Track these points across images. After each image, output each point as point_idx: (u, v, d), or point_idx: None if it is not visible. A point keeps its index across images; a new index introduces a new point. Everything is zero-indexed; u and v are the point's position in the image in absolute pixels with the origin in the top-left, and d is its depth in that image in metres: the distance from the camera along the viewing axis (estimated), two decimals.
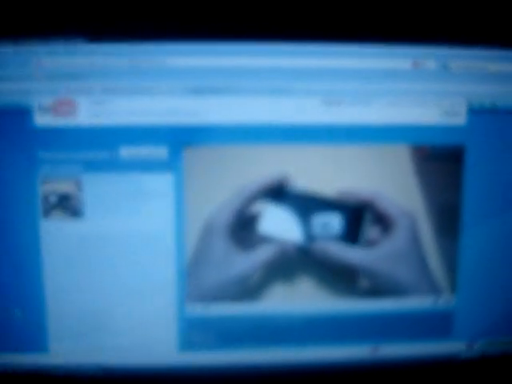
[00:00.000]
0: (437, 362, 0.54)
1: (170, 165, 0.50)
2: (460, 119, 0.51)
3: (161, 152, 0.49)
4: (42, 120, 0.49)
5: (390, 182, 0.52)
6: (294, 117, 0.50)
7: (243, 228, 0.51)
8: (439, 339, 0.54)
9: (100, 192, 0.49)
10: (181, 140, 0.49)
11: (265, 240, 0.51)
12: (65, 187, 0.49)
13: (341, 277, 0.52)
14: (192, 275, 0.51)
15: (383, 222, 0.51)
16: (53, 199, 0.50)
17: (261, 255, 0.51)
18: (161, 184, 0.50)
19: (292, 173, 0.51)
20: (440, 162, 0.52)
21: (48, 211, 0.50)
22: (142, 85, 0.48)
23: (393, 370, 0.54)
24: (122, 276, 0.51)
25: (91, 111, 0.49)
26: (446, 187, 0.52)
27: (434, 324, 0.53)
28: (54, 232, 0.50)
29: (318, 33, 0.49)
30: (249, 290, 0.51)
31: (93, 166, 0.49)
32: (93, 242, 0.50)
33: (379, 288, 0.52)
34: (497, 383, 0.55)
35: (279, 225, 0.51)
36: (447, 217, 0.52)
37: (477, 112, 0.51)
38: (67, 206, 0.50)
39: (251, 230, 0.51)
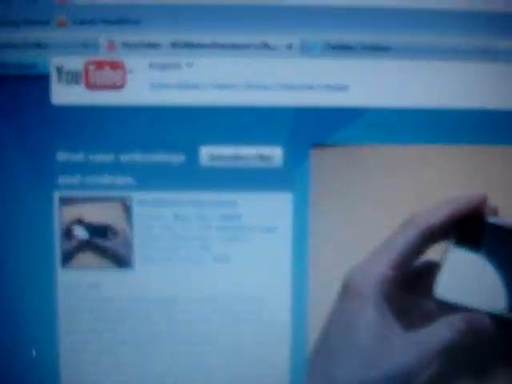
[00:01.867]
0: None
1: (286, 178, 0.29)
2: None
3: (272, 155, 0.28)
4: (64, 96, 0.28)
5: None
6: (500, 98, 0.29)
7: (410, 290, 0.30)
8: None
9: (163, 223, 0.29)
10: (307, 135, 0.28)
11: (444, 309, 0.30)
12: (101, 214, 0.29)
13: None
14: (317, 371, 0.30)
15: None
16: (80, 234, 0.29)
17: (437, 336, 0.29)
18: (269, 211, 0.29)
19: (492, 194, 0.30)
20: None
21: (71, 255, 0.29)
22: (243, 37, 0.28)
23: None
24: (194, 373, 0.30)
25: (151, 81, 0.28)
26: None
27: None
28: (80, 292, 0.29)
29: None
30: None
31: (151, 179, 0.29)
32: (146, 314, 0.29)
33: None
34: None
35: (469, 284, 0.30)
36: None
37: None
38: (104, 247, 0.29)
39: (423, 292, 0.30)
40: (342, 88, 0.28)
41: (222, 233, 0.29)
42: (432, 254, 0.30)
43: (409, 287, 0.30)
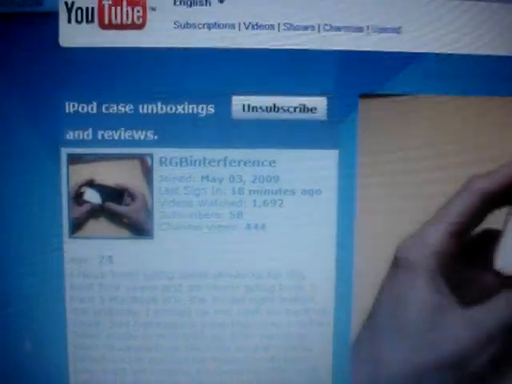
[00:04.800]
0: None
1: (331, 133, 0.25)
2: None
3: (315, 106, 0.25)
4: (75, 37, 0.24)
5: None
6: None
7: (467, 261, 0.27)
8: None
9: (188, 185, 0.25)
10: (355, 83, 0.25)
11: (506, 284, 0.26)
12: (117, 174, 0.25)
13: None
14: (363, 354, 0.27)
15: None
16: (91, 198, 0.25)
17: (497, 313, 0.26)
18: (312, 172, 0.25)
19: None
20: None
21: (80, 223, 0.25)
22: None
23: None
24: (222, 358, 0.26)
25: (175, 20, 0.24)
26: None
27: None
28: (90, 266, 0.25)
29: None
30: (469, 379, 0.27)
31: (175, 134, 0.25)
32: (167, 291, 0.25)
33: None
34: None
35: None
36: None
37: None
38: (119, 213, 0.25)
39: (481, 264, 0.27)
40: (395, 30, 0.24)
41: (257, 197, 0.25)
42: (492, 221, 0.27)
43: (466, 259, 0.27)
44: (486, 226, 0.27)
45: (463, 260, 0.27)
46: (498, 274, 0.26)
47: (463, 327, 0.26)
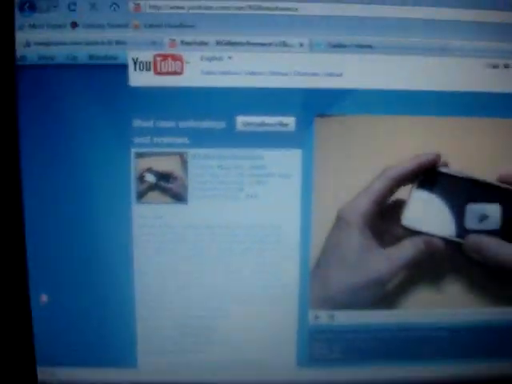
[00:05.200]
0: None
1: (298, 139, 0.39)
2: None
3: (288, 122, 0.39)
4: (138, 79, 0.38)
5: None
6: (451, 82, 0.40)
7: (384, 219, 0.40)
8: None
9: (209, 171, 0.39)
10: (313, 108, 0.39)
11: (409, 234, 0.41)
12: (165, 164, 0.38)
13: (498, 281, 0.42)
14: (317, 277, 0.40)
15: None
16: (149, 179, 0.40)
17: (404, 253, 0.40)
18: (286, 163, 0.38)
19: (444, 152, 0.41)
20: None
21: (142, 194, 0.39)
22: (268, 38, 0.38)
23: None
24: (231, 277, 0.40)
25: (202, 69, 0.38)
26: None
27: None
28: (149, 221, 0.39)
29: None
30: (386, 295, 0.42)
31: (201, 139, 0.38)
32: (197, 236, 0.39)
33: None
34: None
35: (427, 215, 0.41)
36: None
37: None
38: (167, 188, 0.39)
39: (394, 221, 0.40)
40: (338, 75, 0.38)
41: (252, 178, 0.38)
42: (401, 194, 0.41)
43: (384, 217, 0.40)
44: (398, 196, 0.41)
45: (382, 218, 0.40)
46: (404, 227, 0.41)
47: (381, 262, 0.40)
